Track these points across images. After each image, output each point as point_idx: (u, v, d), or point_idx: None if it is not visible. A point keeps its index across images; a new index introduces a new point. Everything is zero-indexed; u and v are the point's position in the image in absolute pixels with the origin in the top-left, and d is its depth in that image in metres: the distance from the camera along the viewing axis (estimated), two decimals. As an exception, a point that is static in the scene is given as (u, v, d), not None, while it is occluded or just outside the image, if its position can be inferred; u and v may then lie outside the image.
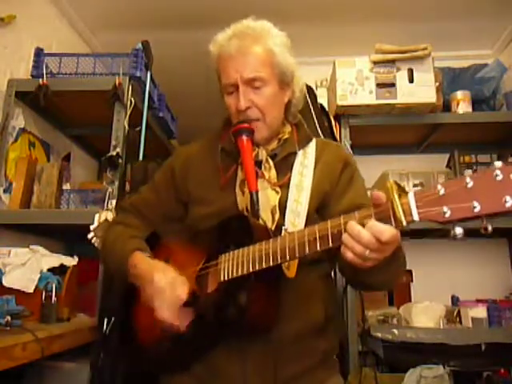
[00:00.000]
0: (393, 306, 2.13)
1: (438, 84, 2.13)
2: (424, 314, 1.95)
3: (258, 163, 1.07)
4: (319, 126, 2.15)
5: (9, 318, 1.25)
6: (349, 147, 2.15)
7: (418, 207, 0.70)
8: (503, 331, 1.88)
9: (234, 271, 0.91)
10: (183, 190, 1.14)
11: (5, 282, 1.47)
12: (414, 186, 2.19)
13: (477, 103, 2.27)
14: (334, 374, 1.07)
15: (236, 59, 1.04)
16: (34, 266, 1.53)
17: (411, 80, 2.09)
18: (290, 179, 1.06)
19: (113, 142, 1.85)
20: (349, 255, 0.75)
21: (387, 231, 0.72)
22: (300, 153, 1.11)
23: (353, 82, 2.12)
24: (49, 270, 1.55)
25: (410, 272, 2.36)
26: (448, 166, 2.28)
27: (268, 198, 1.02)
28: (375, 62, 2.12)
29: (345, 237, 0.75)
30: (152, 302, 0.96)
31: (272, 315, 0.92)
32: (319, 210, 1.06)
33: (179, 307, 0.94)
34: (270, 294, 0.92)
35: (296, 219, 1.00)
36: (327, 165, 1.10)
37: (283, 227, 0.98)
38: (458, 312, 2.00)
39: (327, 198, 1.06)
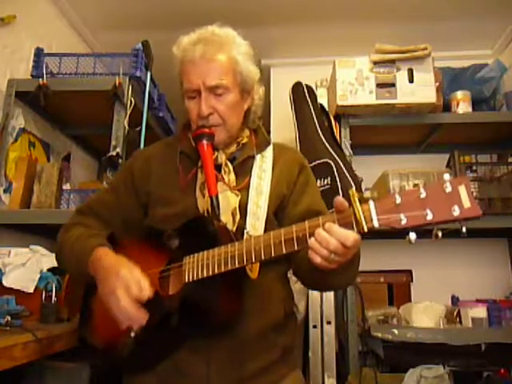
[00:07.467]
0: (393, 306, 2.13)
1: (437, 84, 2.13)
2: (424, 314, 1.95)
3: (218, 167, 1.08)
4: (319, 126, 2.15)
5: (9, 317, 1.25)
6: (349, 147, 2.15)
7: (377, 214, 0.76)
8: (503, 331, 1.88)
9: (199, 273, 0.92)
10: (143, 191, 1.13)
11: (5, 282, 1.47)
12: (415, 186, 2.19)
13: (477, 103, 2.27)
14: (294, 369, 1.09)
15: (200, 65, 1.04)
16: (34, 266, 1.53)
17: (411, 80, 2.09)
18: (249, 183, 1.07)
19: (113, 142, 1.85)
20: (317, 260, 0.81)
21: (351, 236, 0.78)
22: (258, 157, 1.13)
23: (353, 82, 2.12)
24: (49, 270, 1.55)
25: (410, 272, 2.35)
26: (448, 165, 2.28)
27: (228, 200, 1.04)
28: (375, 62, 2.12)
29: (313, 243, 0.80)
30: (114, 291, 0.91)
31: (235, 315, 0.94)
32: (277, 213, 1.08)
33: (141, 303, 0.91)
34: (233, 294, 0.93)
35: (256, 222, 1.02)
36: (284, 168, 1.13)
37: (245, 230, 1.00)
38: (458, 312, 2.00)
39: (285, 201, 1.09)
